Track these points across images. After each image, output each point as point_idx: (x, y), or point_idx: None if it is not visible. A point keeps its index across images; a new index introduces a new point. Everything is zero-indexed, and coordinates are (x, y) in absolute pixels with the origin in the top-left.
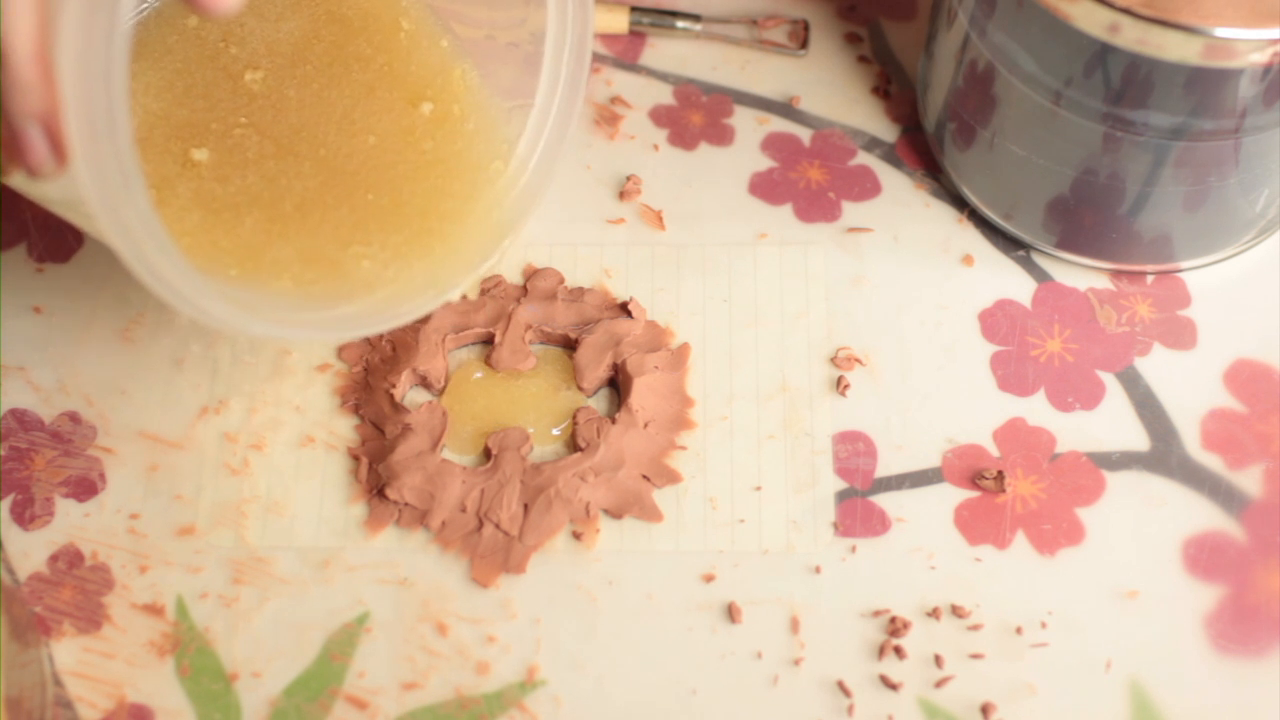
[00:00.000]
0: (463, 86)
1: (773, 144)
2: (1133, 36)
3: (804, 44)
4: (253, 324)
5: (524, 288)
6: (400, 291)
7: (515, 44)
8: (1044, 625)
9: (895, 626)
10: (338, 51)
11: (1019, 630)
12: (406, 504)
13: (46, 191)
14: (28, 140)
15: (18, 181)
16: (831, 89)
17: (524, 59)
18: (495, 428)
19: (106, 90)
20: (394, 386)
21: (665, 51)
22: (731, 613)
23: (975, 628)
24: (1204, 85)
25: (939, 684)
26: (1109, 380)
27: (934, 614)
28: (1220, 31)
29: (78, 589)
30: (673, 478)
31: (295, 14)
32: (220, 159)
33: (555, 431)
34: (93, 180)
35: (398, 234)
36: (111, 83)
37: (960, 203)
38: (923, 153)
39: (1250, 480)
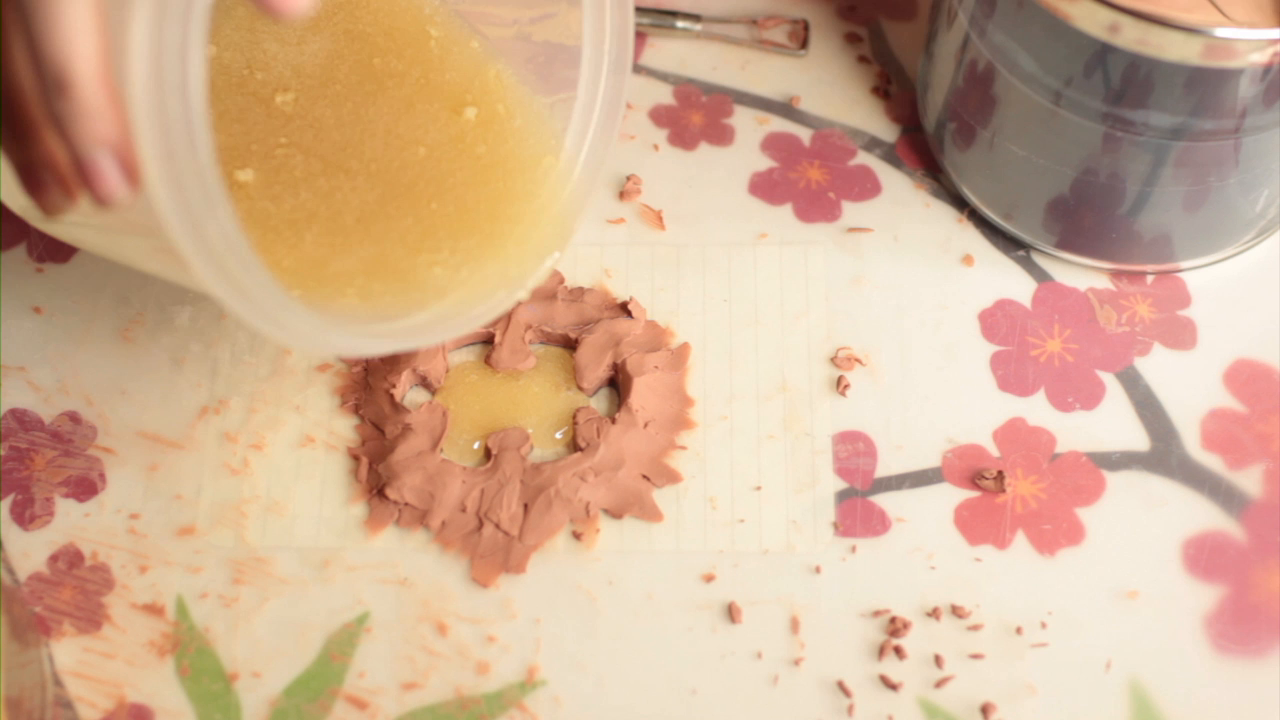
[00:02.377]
0: (499, 85)
1: (773, 144)
2: (1133, 36)
3: (804, 44)
4: (336, 338)
5: None
6: (472, 293)
7: (548, 39)
8: (1044, 625)
9: (895, 626)
10: (366, 69)
11: (1019, 630)
12: (406, 504)
13: (101, 223)
14: (98, 168)
15: (61, 229)
16: (831, 89)
17: (557, 53)
18: (495, 428)
19: (184, 106)
20: (394, 386)
21: (665, 51)
22: (731, 613)
23: (975, 628)
24: (1204, 85)
25: (939, 684)
26: (1109, 380)
27: (934, 614)
28: (1220, 31)
29: (78, 589)
30: (673, 478)
31: (316, 36)
32: (267, 179)
33: (558, 435)
34: (173, 201)
35: (468, 238)
36: (189, 98)
37: (960, 203)
38: (923, 153)
39: (1250, 480)
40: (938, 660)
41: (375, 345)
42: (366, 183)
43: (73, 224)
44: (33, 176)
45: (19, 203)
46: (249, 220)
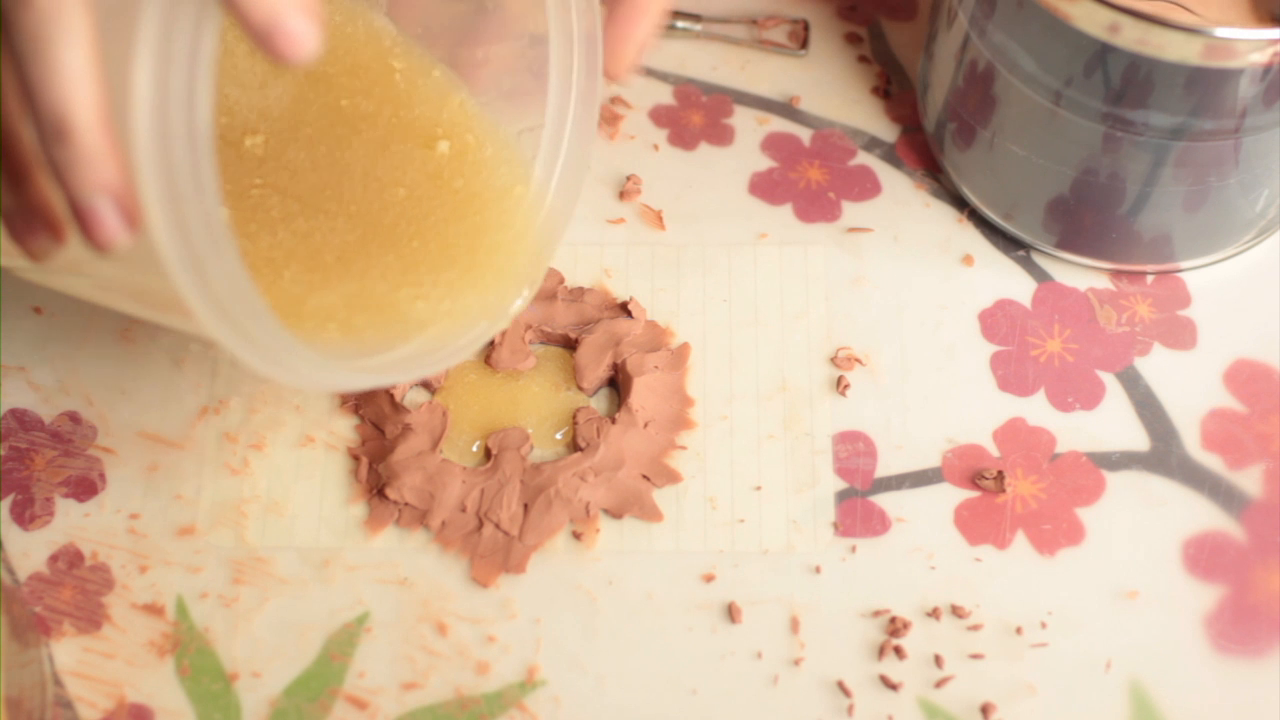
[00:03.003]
0: (465, 114)
1: (773, 144)
2: (1133, 36)
3: (804, 44)
4: (336, 376)
5: None
6: (454, 324)
7: (513, 67)
8: (1044, 625)
9: (895, 626)
10: (336, 112)
11: (1019, 630)
12: (406, 504)
13: (86, 268)
14: (98, 215)
15: (40, 275)
16: (831, 89)
17: (523, 81)
18: (495, 428)
19: (192, 152)
20: (394, 387)
21: (665, 51)
22: (731, 613)
23: (975, 628)
24: (1204, 85)
25: (939, 684)
26: (1109, 380)
27: (934, 614)
28: (1220, 31)
29: (78, 589)
30: (673, 478)
31: (277, 79)
32: (243, 218)
33: (558, 436)
34: (175, 245)
35: (449, 272)
36: (197, 144)
37: (960, 203)
38: (923, 153)
39: (1250, 480)
40: (938, 660)
41: (371, 380)
42: (346, 224)
43: (54, 270)
44: (21, 221)
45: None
46: None
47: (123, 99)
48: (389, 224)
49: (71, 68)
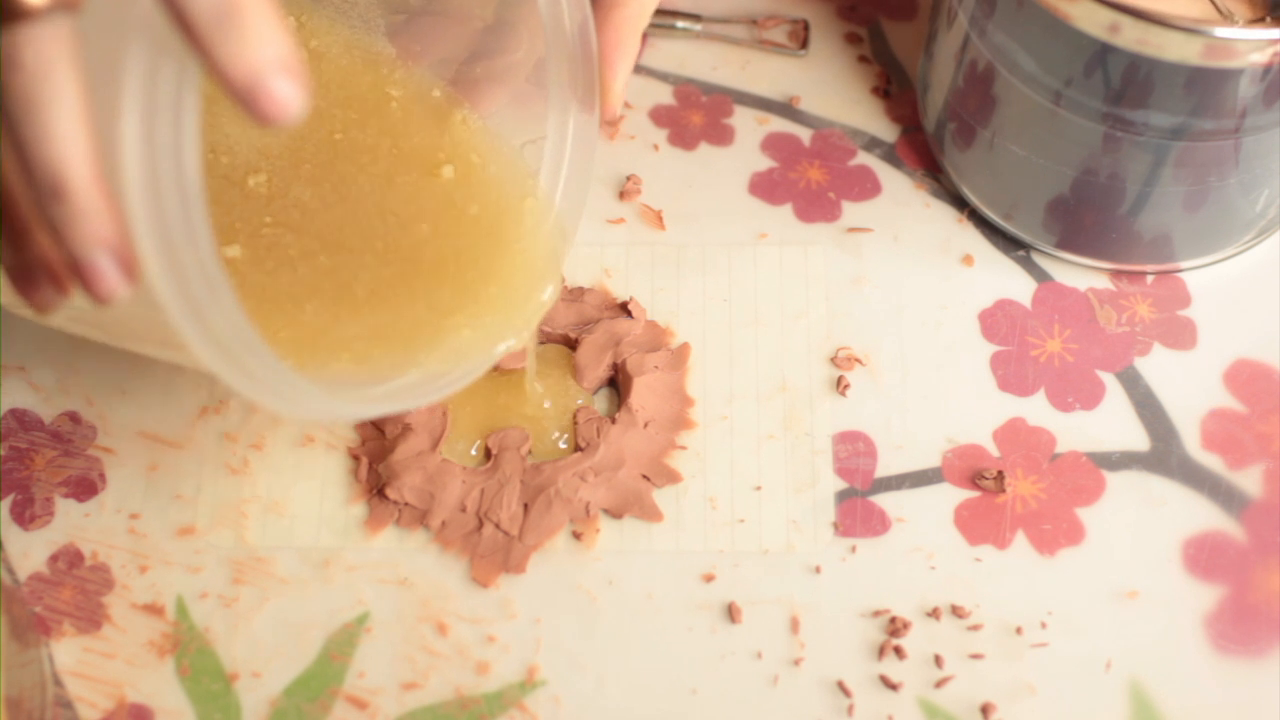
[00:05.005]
0: (466, 130)
1: (773, 144)
2: (1133, 36)
3: (804, 44)
4: (342, 406)
5: None
6: (481, 345)
7: (514, 81)
8: (1044, 625)
9: (895, 626)
10: (331, 147)
11: (1019, 630)
12: (406, 504)
13: (92, 316)
14: (97, 269)
15: (60, 320)
16: (831, 89)
17: (524, 93)
18: (495, 428)
19: (181, 196)
20: None
21: (665, 51)
22: (731, 613)
23: (975, 628)
24: (1204, 85)
25: (939, 684)
26: (1109, 380)
27: (934, 614)
28: (1220, 31)
29: (78, 589)
30: (673, 477)
31: None
32: (258, 255)
33: (558, 437)
34: (174, 293)
35: (486, 299)
36: (186, 188)
37: (960, 203)
38: (923, 153)
39: (1250, 480)
40: (938, 660)
41: (378, 409)
42: (376, 260)
43: (60, 318)
44: (24, 277)
45: (4, 298)
46: (242, 294)
47: (113, 155)
48: (429, 261)
49: (63, 128)
